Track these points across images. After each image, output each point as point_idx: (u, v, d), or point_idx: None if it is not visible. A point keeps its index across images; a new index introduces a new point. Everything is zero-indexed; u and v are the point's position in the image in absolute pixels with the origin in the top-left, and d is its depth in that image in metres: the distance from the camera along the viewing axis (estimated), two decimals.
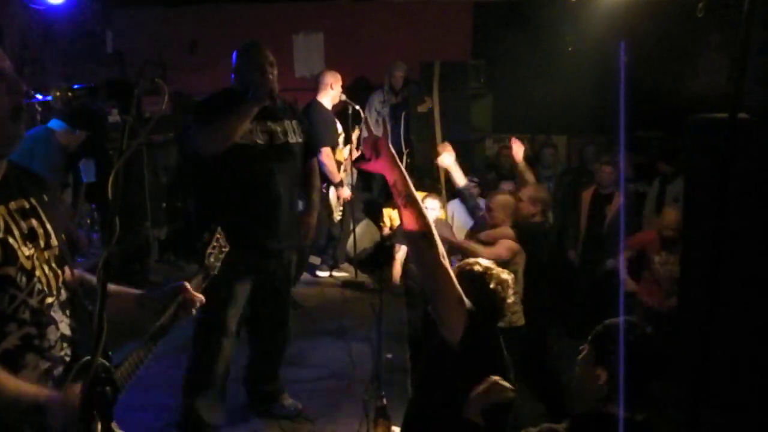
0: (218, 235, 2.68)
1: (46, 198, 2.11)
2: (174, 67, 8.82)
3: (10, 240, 1.94)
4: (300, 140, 4.27)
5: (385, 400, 3.27)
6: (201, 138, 3.96)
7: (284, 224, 4.16)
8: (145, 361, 2.22)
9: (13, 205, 1.99)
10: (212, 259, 2.65)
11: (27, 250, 1.98)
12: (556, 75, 8.47)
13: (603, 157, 7.35)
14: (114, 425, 2.06)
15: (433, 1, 9.54)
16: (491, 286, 2.88)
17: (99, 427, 1.75)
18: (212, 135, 3.92)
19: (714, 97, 7.04)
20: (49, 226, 2.07)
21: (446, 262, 2.58)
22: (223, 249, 2.69)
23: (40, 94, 4.87)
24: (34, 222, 2.02)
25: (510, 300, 2.95)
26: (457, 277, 2.70)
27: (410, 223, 2.54)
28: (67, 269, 2.13)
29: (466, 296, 2.70)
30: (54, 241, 2.07)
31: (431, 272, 2.58)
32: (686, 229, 3.41)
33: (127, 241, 6.94)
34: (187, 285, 2.41)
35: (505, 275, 2.96)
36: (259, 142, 4.06)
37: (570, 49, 8.36)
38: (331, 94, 6.72)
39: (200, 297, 2.43)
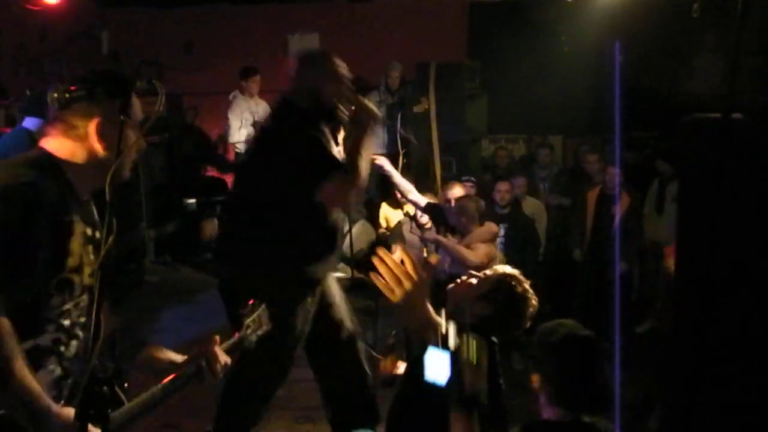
0: (261, 312, 2.63)
1: (98, 236, 2.19)
2: (170, 68, 8.83)
3: (84, 255, 2.08)
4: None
5: (392, 339, 3.22)
6: (333, 195, 3.37)
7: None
8: (150, 410, 2.23)
9: (88, 230, 2.12)
10: (248, 332, 2.58)
11: (89, 269, 2.10)
12: (552, 75, 8.48)
13: (606, 158, 7.37)
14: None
15: (429, 1, 9.55)
16: (518, 290, 2.85)
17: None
18: (345, 188, 3.36)
19: (709, 97, 7.07)
20: (94, 257, 2.15)
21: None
22: (264, 328, 2.63)
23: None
24: (90, 249, 2.13)
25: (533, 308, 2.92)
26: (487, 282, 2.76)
27: None
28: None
29: (489, 301, 2.74)
30: (96, 271, 2.14)
31: None
32: (681, 230, 3.42)
33: (123, 241, 6.93)
34: (216, 342, 2.39)
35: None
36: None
37: (566, 49, 8.37)
38: None
39: (226, 359, 2.39)
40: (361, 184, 3.35)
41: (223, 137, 8.85)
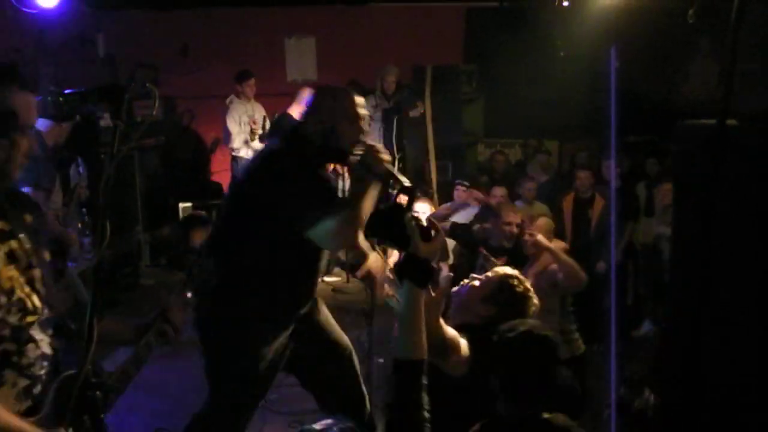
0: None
1: (29, 218, 2.11)
2: (165, 71, 8.82)
3: None
4: None
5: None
6: (333, 240, 3.21)
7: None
8: (135, 373, 2.23)
9: None
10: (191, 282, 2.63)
11: (7, 272, 1.97)
12: (548, 80, 8.50)
13: (578, 160, 7.40)
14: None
15: (426, 5, 9.56)
16: (519, 290, 2.93)
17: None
18: (348, 237, 3.21)
19: (705, 102, 7.09)
20: (29, 247, 2.06)
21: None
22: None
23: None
24: (13, 244, 2.02)
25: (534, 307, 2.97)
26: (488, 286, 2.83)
27: None
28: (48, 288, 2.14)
29: (493, 303, 2.81)
30: (35, 261, 2.07)
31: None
32: (676, 234, 3.43)
33: (118, 245, 6.93)
34: (173, 309, 2.42)
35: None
36: None
37: (562, 54, 8.39)
38: (297, 110, 6.72)
39: (180, 318, 2.42)
40: (359, 231, 3.18)
41: (219, 141, 8.86)
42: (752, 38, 2.71)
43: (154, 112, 1.95)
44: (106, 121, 6.41)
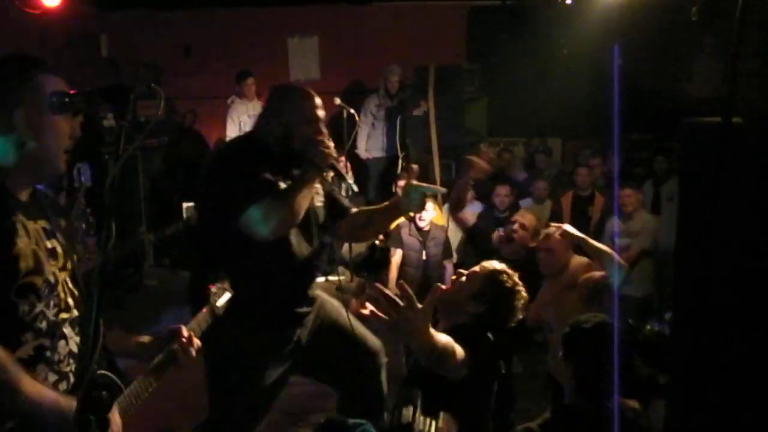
0: (215, 289, 2.68)
1: (63, 222, 2.21)
2: (168, 71, 8.83)
3: (39, 253, 2.02)
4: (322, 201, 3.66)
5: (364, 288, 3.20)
6: (263, 226, 3.12)
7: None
8: (143, 396, 2.28)
9: (40, 223, 2.08)
10: (218, 303, 2.66)
11: (50, 266, 2.06)
12: (551, 79, 8.49)
13: (581, 159, 7.41)
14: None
15: (428, 4, 9.56)
16: (508, 285, 2.90)
17: None
18: (278, 222, 3.13)
19: (709, 100, 7.08)
20: (63, 249, 2.14)
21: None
22: (229, 293, 2.70)
23: None
24: (54, 242, 2.11)
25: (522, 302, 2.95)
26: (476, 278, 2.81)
27: None
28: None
29: (482, 299, 2.80)
30: (69, 264, 2.15)
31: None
32: (679, 234, 3.42)
33: (122, 245, 6.93)
34: (183, 329, 2.43)
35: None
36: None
37: (564, 52, 8.38)
38: None
39: (197, 342, 2.43)
40: (292, 218, 3.15)
41: (222, 141, 8.86)
42: (757, 36, 2.70)
43: (159, 113, 1.96)
44: (109, 121, 6.42)
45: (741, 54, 2.56)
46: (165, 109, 8.45)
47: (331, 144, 3.27)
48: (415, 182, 3.69)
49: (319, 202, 3.57)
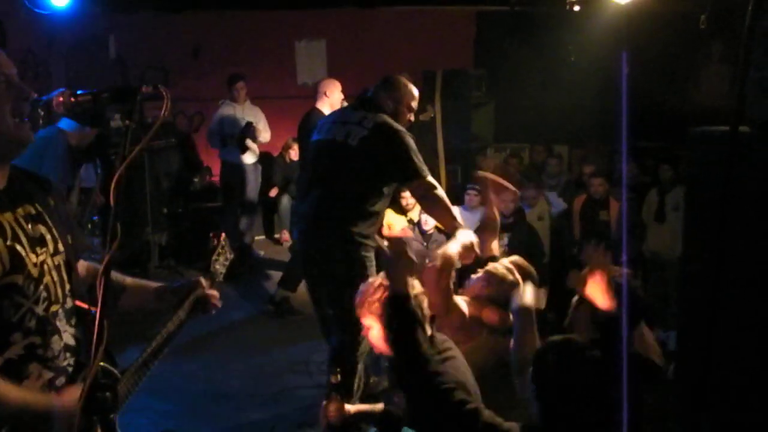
0: (223, 242, 2.68)
1: (52, 202, 2.08)
2: (176, 73, 8.85)
3: (18, 247, 1.89)
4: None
5: (340, 377, 3.21)
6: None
7: None
8: (152, 364, 2.21)
9: (20, 211, 1.95)
10: (217, 266, 2.65)
11: (35, 257, 1.94)
12: (558, 85, 8.48)
13: (588, 167, 7.40)
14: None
15: (436, 10, 9.56)
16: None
17: None
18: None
19: (716, 108, 7.05)
20: (56, 232, 2.03)
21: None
22: (228, 256, 2.69)
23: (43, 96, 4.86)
24: (41, 228, 1.99)
25: None
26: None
27: None
28: (79, 266, 2.15)
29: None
30: (61, 247, 2.04)
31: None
32: (687, 241, 3.41)
33: (127, 246, 6.93)
34: (203, 281, 2.38)
35: None
36: None
37: (572, 59, 8.38)
38: (328, 102, 6.69)
39: (215, 294, 2.40)
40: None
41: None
42: (765, 44, 2.70)
43: (167, 113, 1.93)
44: (116, 122, 6.43)
45: (749, 62, 2.55)
46: (172, 110, 8.48)
47: None
48: None
49: None
